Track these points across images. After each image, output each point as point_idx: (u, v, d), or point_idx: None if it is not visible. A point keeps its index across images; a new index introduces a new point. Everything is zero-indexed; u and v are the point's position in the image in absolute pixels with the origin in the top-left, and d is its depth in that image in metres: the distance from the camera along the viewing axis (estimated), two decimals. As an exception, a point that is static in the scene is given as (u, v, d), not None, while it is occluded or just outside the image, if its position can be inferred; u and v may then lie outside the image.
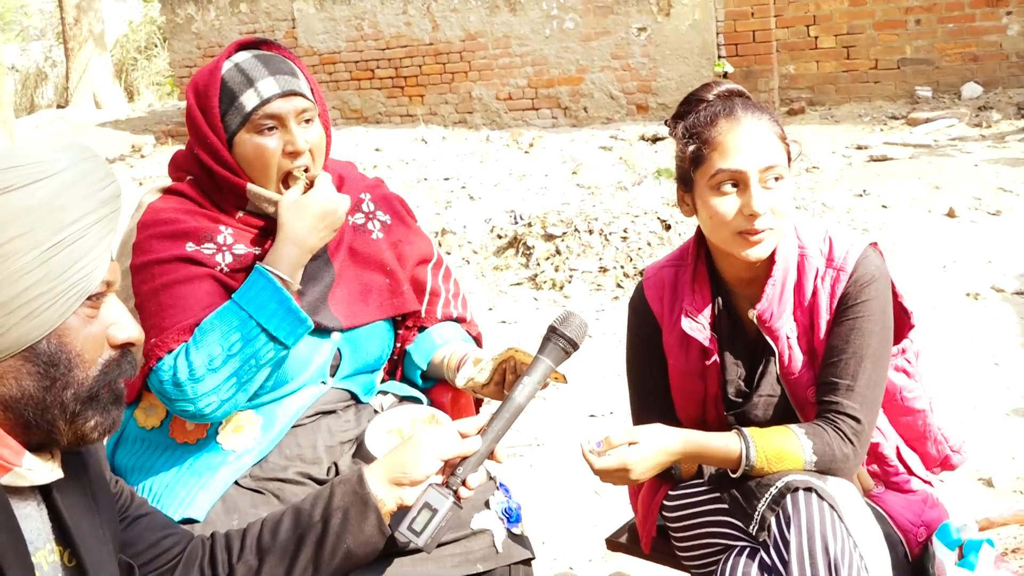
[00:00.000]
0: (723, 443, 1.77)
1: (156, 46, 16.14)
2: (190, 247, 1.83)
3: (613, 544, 2.25)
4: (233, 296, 1.77)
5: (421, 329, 2.09)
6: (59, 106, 13.85)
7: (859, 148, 7.23)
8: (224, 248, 1.85)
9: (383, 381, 2.09)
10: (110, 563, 1.34)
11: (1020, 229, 5.39)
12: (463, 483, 1.56)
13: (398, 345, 2.08)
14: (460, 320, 2.13)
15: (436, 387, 2.10)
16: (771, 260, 1.82)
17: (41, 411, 1.18)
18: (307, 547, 1.52)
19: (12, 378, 1.16)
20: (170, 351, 1.75)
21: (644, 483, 2.07)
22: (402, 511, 1.55)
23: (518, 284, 5.49)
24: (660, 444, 1.76)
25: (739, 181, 1.73)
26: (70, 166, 1.18)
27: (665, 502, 1.96)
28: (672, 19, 8.85)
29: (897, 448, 1.96)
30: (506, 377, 1.86)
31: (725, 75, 8.60)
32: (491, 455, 1.61)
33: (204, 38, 11.32)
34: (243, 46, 1.90)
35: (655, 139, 8.16)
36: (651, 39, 8.99)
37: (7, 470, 1.16)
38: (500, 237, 6.11)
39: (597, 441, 1.79)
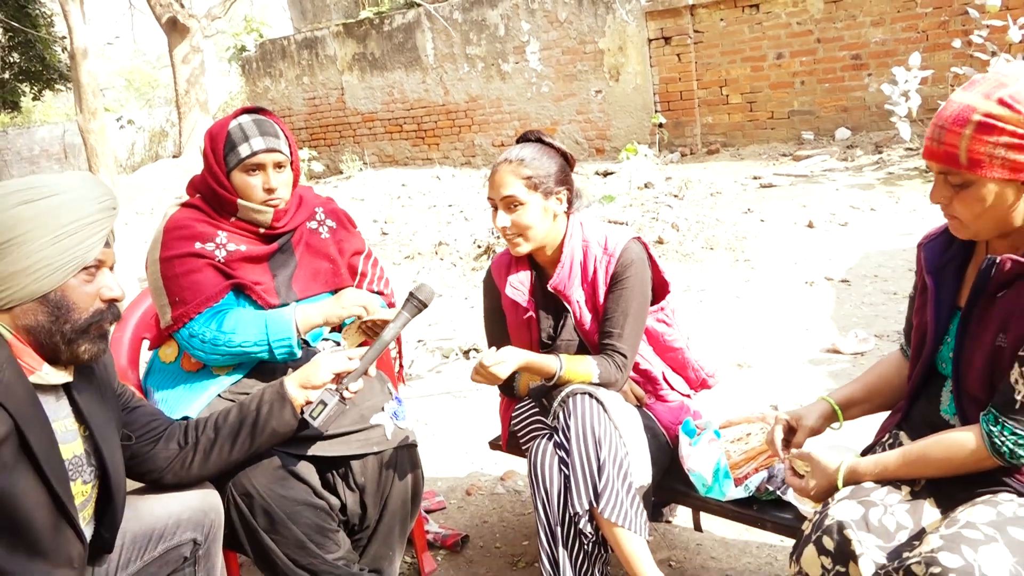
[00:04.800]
0: (548, 361, 2.01)
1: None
2: (198, 245, 2.02)
3: (493, 445, 2.52)
4: (267, 314, 1.99)
5: (354, 299, 2.35)
6: (174, 156, 14.16)
7: (754, 178, 7.26)
8: (221, 246, 2.05)
9: (331, 331, 2.36)
10: (113, 435, 1.55)
11: (858, 235, 5.48)
12: (347, 388, 1.81)
13: (340, 309, 2.35)
14: (380, 293, 2.33)
15: (364, 336, 2.38)
16: (560, 251, 2.07)
17: (48, 336, 1.37)
18: (246, 426, 1.76)
19: (31, 314, 1.36)
20: (191, 319, 1.97)
21: (503, 401, 2.38)
22: (309, 404, 1.80)
23: (488, 280, 5.76)
24: (515, 358, 1.96)
25: (495, 205, 2.01)
26: (72, 189, 1.39)
27: (512, 414, 2.24)
28: (620, 83, 8.94)
29: (663, 373, 2.19)
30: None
31: (660, 125, 8.80)
32: (366, 372, 1.85)
33: (277, 103, 11.43)
34: (247, 111, 2.09)
35: (606, 173, 8.34)
36: (605, 99, 9.06)
37: (32, 372, 1.38)
38: (479, 247, 6.35)
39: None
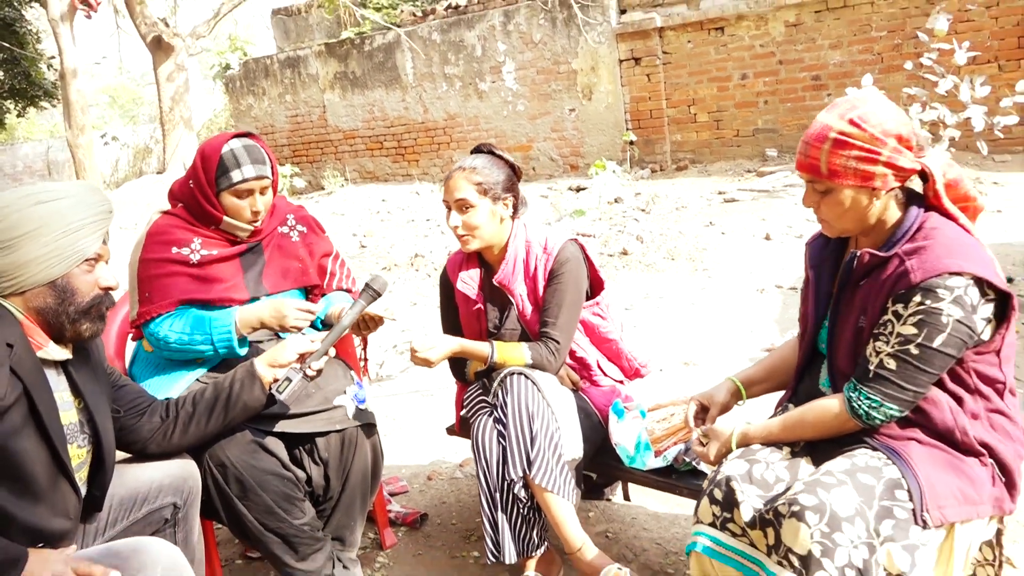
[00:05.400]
0: (480, 347, 2.26)
1: (234, 127, 16.65)
2: (174, 250, 2.22)
3: (449, 430, 2.74)
4: (212, 314, 2.17)
5: (323, 295, 2.52)
6: (158, 173, 14.26)
7: (719, 193, 7.52)
8: (195, 251, 2.25)
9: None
10: (105, 407, 1.77)
11: (812, 247, 5.83)
12: (309, 366, 2.03)
13: (309, 304, 2.56)
14: (348, 291, 2.55)
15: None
16: (506, 250, 2.31)
17: (56, 316, 1.60)
18: (220, 401, 1.98)
19: (41, 297, 1.59)
20: (153, 318, 2.18)
21: (458, 388, 2.61)
22: (276, 381, 2.02)
23: (460, 289, 5.99)
24: (445, 344, 2.23)
25: (449, 207, 2.25)
26: (77, 194, 1.63)
27: (463, 398, 2.46)
28: (593, 102, 9.21)
29: (597, 361, 2.41)
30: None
31: (631, 143, 9.12)
32: (327, 353, 2.07)
33: (260, 120, 11.62)
34: (238, 135, 2.25)
35: (578, 189, 8.61)
36: (579, 117, 9.32)
37: (40, 348, 1.60)
38: (453, 258, 6.60)
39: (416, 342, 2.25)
